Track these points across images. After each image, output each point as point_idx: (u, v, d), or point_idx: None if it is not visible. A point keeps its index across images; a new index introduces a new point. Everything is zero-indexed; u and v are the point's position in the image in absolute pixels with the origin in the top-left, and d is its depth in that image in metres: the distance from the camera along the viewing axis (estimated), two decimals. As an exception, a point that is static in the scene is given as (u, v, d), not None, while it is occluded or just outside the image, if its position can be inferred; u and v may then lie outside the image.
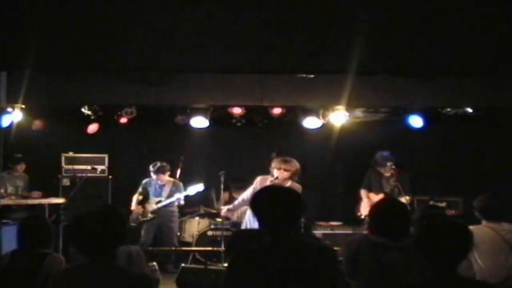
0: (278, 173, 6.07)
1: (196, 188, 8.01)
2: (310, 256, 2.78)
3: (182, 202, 8.07)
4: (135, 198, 7.99)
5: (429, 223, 2.83)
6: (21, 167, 8.26)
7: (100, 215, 2.94)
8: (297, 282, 2.70)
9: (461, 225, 2.83)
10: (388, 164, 7.63)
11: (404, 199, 7.00)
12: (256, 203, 2.95)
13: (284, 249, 2.75)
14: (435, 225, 2.80)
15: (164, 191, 8.01)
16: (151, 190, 8.04)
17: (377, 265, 3.53)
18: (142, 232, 7.88)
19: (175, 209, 8.12)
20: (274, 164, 6.18)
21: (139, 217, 7.87)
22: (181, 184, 8.09)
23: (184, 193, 7.99)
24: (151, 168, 8.00)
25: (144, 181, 8.08)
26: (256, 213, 2.93)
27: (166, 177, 8.04)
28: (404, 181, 7.61)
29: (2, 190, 7.92)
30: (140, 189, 8.04)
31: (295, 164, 6.11)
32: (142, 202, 7.89)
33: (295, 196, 2.92)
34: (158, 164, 7.98)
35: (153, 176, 8.01)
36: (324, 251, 2.87)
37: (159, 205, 7.92)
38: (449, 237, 2.69)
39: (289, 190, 3.14)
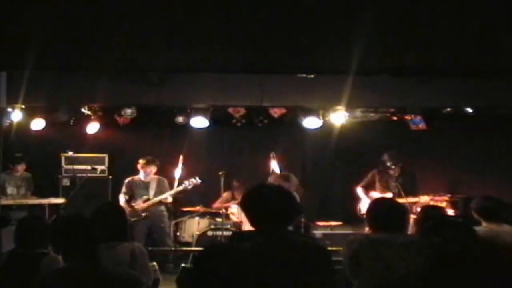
0: None
1: (191, 181, 7.80)
2: (302, 256, 2.65)
3: (170, 199, 7.83)
4: (122, 197, 7.81)
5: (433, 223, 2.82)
6: (22, 167, 8.20)
7: None
8: (285, 282, 2.58)
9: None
10: (389, 163, 7.63)
11: (404, 200, 6.99)
12: (245, 202, 2.84)
13: (275, 248, 2.63)
14: (440, 225, 2.79)
15: (150, 188, 7.81)
16: (136, 188, 7.83)
17: (379, 263, 3.53)
18: (133, 233, 7.54)
19: (164, 208, 7.94)
20: (272, 181, 6.11)
21: (129, 218, 7.68)
22: (166, 181, 7.91)
23: (175, 190, 7.78)
24: (140, 162, 7.82)
25: (127, 180, 7.88)
26: (246, 212, 2.82)
27: (154, 171, 7.84)
28: (410, 181, 7.60)
29: None
30: (124, 189, 7.84)
31: (294, 181, 6.02)
32: (129, 202, 7.72)
33: (286, 195, 2.79)
34: (147, 157, 7.83)
35: (142, 169, 7.80)
36: (318, 251, 2.74)
37: (149, 202, 7.72)
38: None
39: (280, 189, 2.97)
